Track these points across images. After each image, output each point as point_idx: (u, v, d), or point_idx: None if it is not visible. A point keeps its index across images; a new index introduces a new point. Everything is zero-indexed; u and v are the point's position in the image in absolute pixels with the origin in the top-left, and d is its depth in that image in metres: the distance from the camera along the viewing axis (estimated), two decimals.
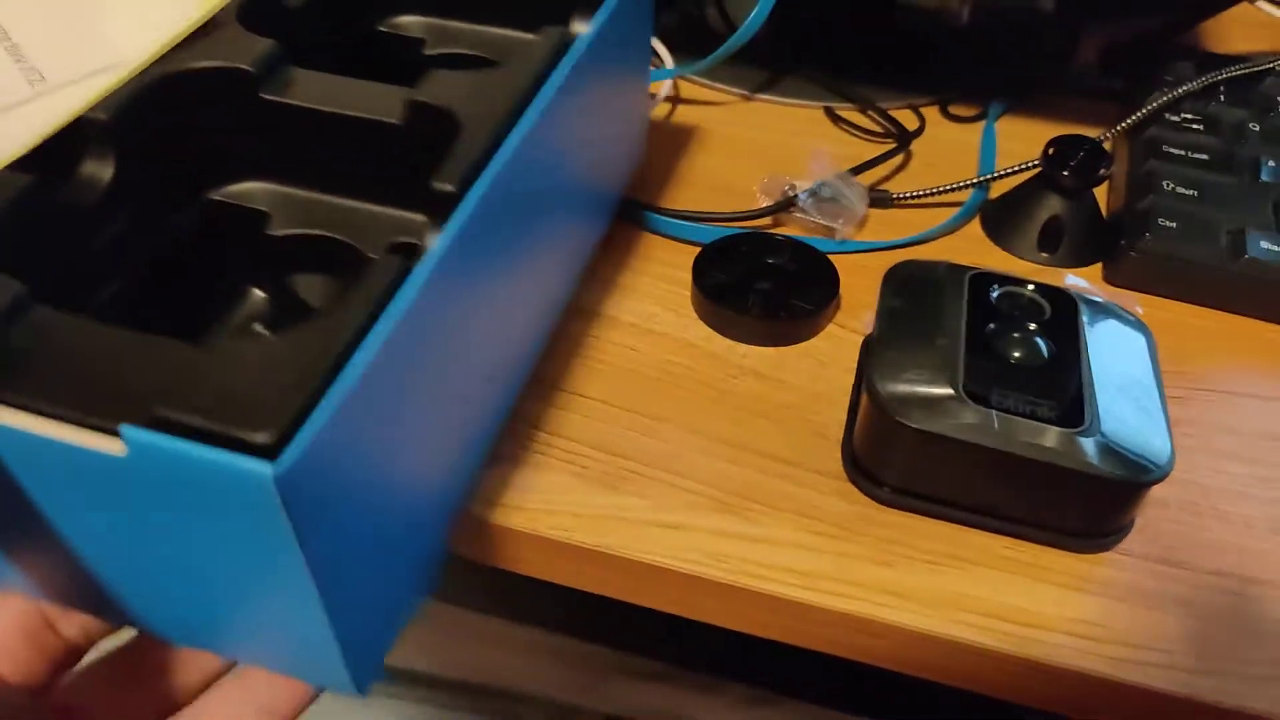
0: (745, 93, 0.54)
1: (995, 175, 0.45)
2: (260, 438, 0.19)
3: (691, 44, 0.53)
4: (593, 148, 0.37)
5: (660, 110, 0.52)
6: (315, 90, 0.31)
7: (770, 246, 0.41)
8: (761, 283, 0.39)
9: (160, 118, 0.30)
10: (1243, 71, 0.47)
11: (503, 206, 0.28)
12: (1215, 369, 0.38)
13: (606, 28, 0.34)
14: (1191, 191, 0.43)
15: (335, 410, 0.21)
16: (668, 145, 0.50)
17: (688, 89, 0.54)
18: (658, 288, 0.41)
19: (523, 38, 0.32)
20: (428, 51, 0.39)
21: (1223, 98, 0.47)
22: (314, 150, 0.32)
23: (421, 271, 0.24)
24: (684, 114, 0.52)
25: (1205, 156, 0.44)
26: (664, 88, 0.52)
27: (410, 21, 0.41)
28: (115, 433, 0.20)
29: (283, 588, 0.22)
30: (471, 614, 0.62)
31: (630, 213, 0.44)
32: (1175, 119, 0.46)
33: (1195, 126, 0.46)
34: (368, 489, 0.24)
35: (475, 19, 0.40)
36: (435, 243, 0.25)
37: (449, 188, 0.26)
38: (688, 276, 0.40)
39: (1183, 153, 0.44)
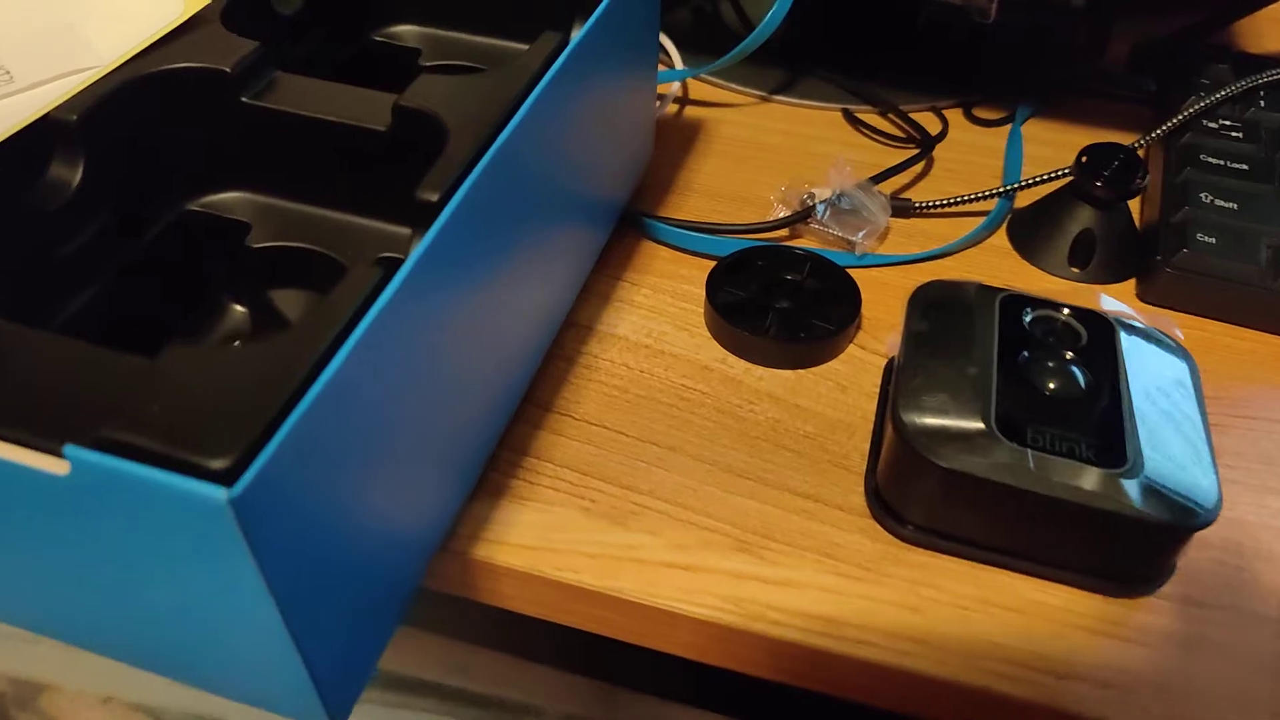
0: (760, 94, 0.52)
1: (1022, 184, 0.43)
2: (216, 463, 0.18)
3: (704, 42, 0.51)
4: (591, 153, 0.35)
5: (670, 112, 0.50)
6: (299, 95, 0.30)
7: (788, 261, 0.39)
8: (780, 301, 0.37)
9: (133, 119, 0.29)
10: None
11: (489, 214, 0.26)
12: (1257, 395, 0.36)
13: (601, 30, 0.32)
14: (1230, 204, 0.41)
15: (298, 430, 0.19)
16: (678, 149, 0.48)
17: (700, 89, 0.52)
18: (669, 305, 0.39)
19: (520, 49, 0.31)
20: (424, 62, 0.38)
21: (1263, 103, 0.45)
22: (297, 158, 0.30)
23: (395, 283, 0.22)
24: (696, 116, 0.50)
25: (1245, 166, 0.42)
26: (673, 89, 0.50)
27: (407, 31, 0.39)
28: (59, 453, 0.18)
29: (246, 616, 0.21)
30: (480, 649, 0.61)
31: (638, 224, 0.42)
32: (1213, 125, 0.44)
33: (1234, 134, 0.44)
34: (336, 513, 0.22)
35: (472, 30, 0.39)
36: (415, 251, 0.23)
37: (433, 197, 0.25)
38: (700, 292, 0.38)
39: (1221, 162, 0.42)
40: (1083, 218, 0.40)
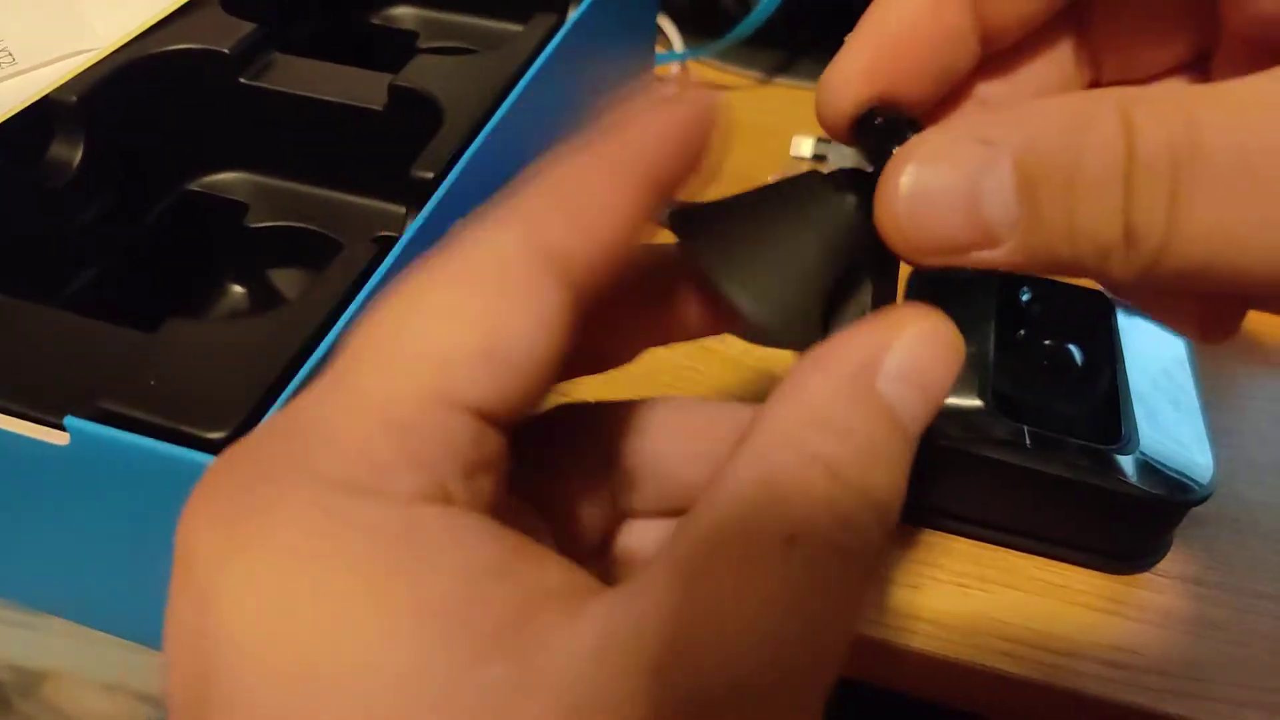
0: (758, 75, 0.52)
1: None
2: (213, 434, 0.19)
3: (704, 25, 0.51)
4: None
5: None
6: (296, 76, 0.30)
7: None
8: None
9: (132, 100, 0.29)
10: None
11: (483, 193, 0.27)
12: (1253, 374, 0.36)
13: (596, 12, 0.32)
14: None
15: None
16: None
17: (700, 72, 0.52)
18: None
19: (516, 31, 0.31)
20: (422, 44, 0.38)
21: None
22: (295, 138, 0.30)
23: (390, 259, 0.23)
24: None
25: None
26: (673, 70, 0.50)
27: (404, 14, 0.39)
28: (60, 424, 0.19)
29: None
30: None
31: None
32: None
33: None
34: None
35: (469, 11, 0.39)
36: (409, 229, 0.23)
37: (428, 175, 0.25)
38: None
39: None
40: None
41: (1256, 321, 0.38)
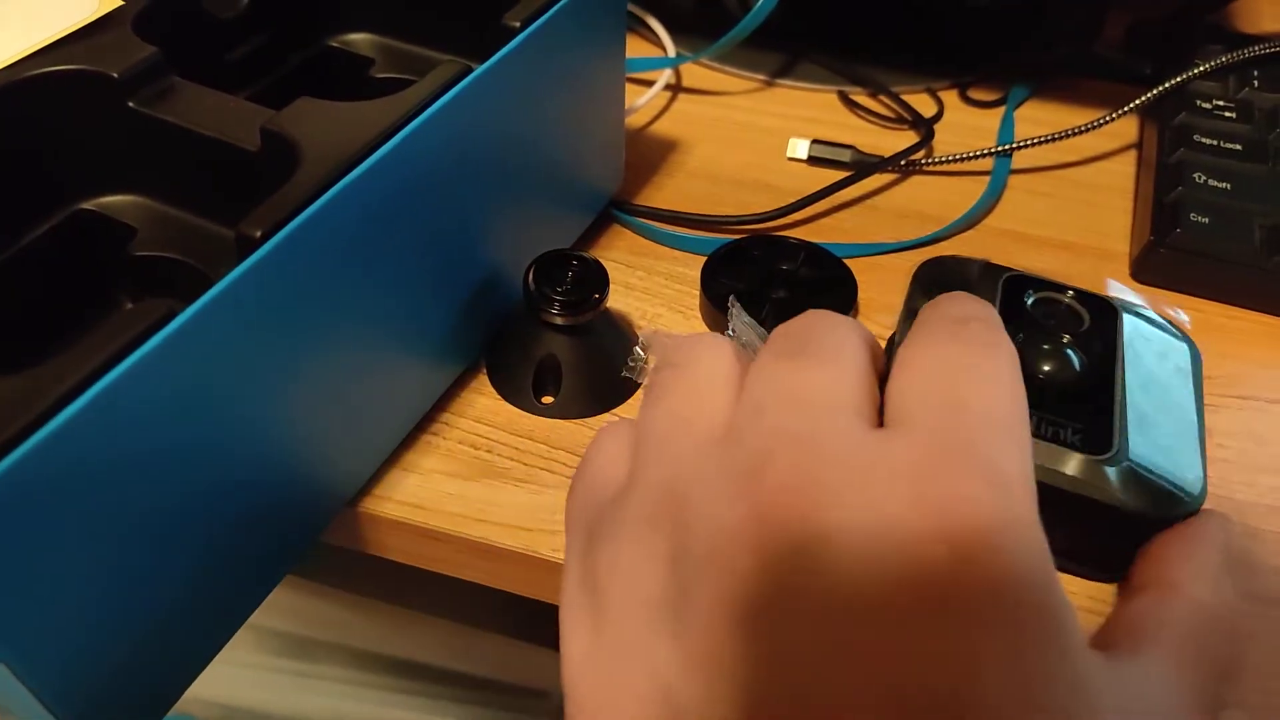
0: (755, 77, 0.52)
1: (1016, 145, 0.44)
2: None
3: (703, 24, 0.51)
4: (512, 179, 0.33)
5: (661, 100, 0.50)
6: (186, 105, 0.29)
7: (783, 251, 0.39)
8: (776, 291, 0.37)
9: (13, 120, 0.28)
10: (1274, 50, 0.45)
11: (339, 247, 0.26)
12: (1249, 374, 0.36)
13: (525, 55, 0.31)
14: (1224, 184, 0.41)
15: (25, 460, 0.19)
16: (675, 134, 0.48)
17: (697, 74, 0.52)
18: (663, 287, 0.39)
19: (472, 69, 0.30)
20: (376, 74, 0.37)
21: (1256, 83, 0.45)
22: (184, 169, 0.30)
23: (178, 321, 0.21)
24: (692, 100, 0.50)
25: (1238, 146, 0.42)
26: (665, 75, 0.50)
27: (362, 40, 0.38)
28: None
29: None
30: (483, 633, 0.62)
31: (626, 221, 0.42)
32: (1206, 106, 0.44)
33: (1227, 114, 0.43)
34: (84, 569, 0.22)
35: (427, 44, 0.37)
36: (209, 292, 0.22)
37: (255, 233, 0.23)
38: (695, 274, 0.38)
39: (1214, 142, 0.42)
40: (545, 343, 0.34)
41: (1254, 321, 0.38)
